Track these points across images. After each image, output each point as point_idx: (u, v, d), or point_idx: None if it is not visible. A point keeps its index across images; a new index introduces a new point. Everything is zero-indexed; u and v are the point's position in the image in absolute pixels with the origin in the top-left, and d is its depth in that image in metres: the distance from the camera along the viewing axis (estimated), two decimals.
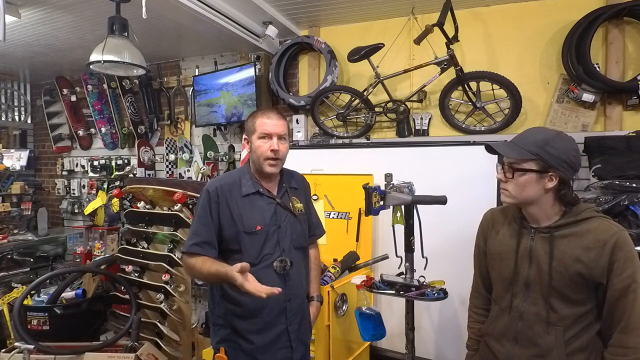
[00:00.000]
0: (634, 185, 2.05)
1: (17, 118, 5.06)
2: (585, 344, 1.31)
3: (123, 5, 2.60)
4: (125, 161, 4.33)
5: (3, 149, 4.36)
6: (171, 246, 2.72)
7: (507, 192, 1.37)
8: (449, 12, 2.56)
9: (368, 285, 1.87)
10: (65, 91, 4.50)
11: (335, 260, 2.31)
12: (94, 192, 4.43)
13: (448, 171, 2.45)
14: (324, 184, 2.77)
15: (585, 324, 1.32)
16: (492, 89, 2.78)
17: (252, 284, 1.35)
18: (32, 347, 2.35)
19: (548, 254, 1.32)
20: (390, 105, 3.05)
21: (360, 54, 2.88)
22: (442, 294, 1.74)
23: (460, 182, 2.38)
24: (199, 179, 3.66)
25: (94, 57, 2.51)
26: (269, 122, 1.59)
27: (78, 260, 3.64)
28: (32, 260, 3.90)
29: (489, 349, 1.48)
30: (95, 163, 4.48)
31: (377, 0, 2.88)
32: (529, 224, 1.39)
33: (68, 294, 2.90)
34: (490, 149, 1.41)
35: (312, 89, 3.36)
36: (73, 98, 4.50)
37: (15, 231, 4.00)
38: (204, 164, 3.71)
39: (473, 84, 2.80)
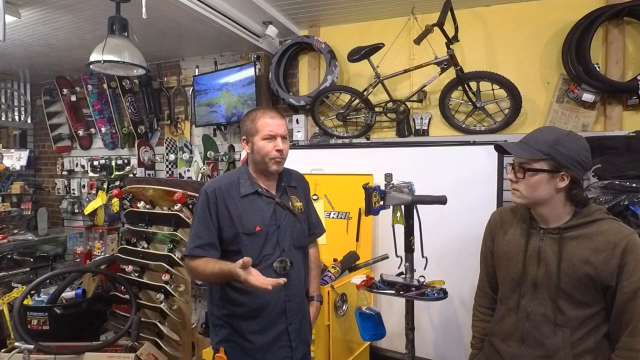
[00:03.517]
0: (634, 185, 2.04)
1: (17, 118, 5.06)
2: (593, 346, 1.30)
3: (123, 5, 2.59)
4: (125, 161, 4.33)
5: (3, 149, 4.35)
6: (171, 246, 2.72)
7: (519, 193, 1.36)
8: (449, 12, 2.56)
9: (368, 285, 1.86)
10: (65, 91, 4.50)
11: (335, 260, 2.31)
12: (94, 192, 4.43)
13: (448, 171, 2.45)
14: (324, 184, 2.77)
15: (592, 326, 1.31)
16: (492, 89, 2.78)
17: (256, 278, 1.36)
18: (32, 347, 2.35)
19: (557, 255, 1.31)
20: (390, 105, 3.05)
21: (360, 54, 2.88)
22: (442, 294, 1.73)
23: (460, 182, 2.38)
24: (199, 179, 3.66)
25: (94, 57, 2.51)
26: (272, 123, 1.59)
27: (78, 260, 3.63)
28: (32, 260, 3.89)
29: (494, 349, 1.48)
30: (95, 163, 4.48)
31: (377, 0, 2.88)
32: (538, 224, 1.38)
33: (68, 294, 2.90)
34: (500, 148, 1.40)
35: (312, 89, 3.36)
36: (73, 98, 4.50)
37: (15, 231, 3.99)
38: (204, 164, 3.71)
39: (473, 84, 2.80)
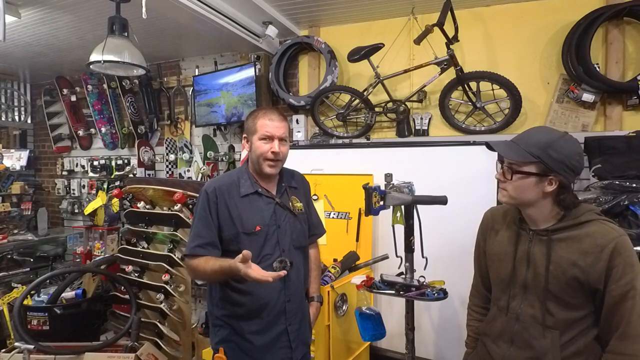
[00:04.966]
0: (634, 185, 2.05)
1: (17, 118, 5.06)
2: (582, 348, 1.28)
3: (123, 5, 2.60)
4: (125, 161, 4.33)
5: (3, 149, 4.35)
6: (171, 246, 2.72)
7: (505, 192, 1.35)
8: (449, 12, 2.56)
9: (368, 285, 1.86)
10: (65, 91, 4.50)
11: (335, 260, 2.31)
12: (94, 192, 4.43)
13: (448, 171, 2.45)
14: (324, 184, 2.77)
15: (582, 329, 1.29)
16: (492, 89, 2.78)
17: (256, 271, 1.36)
18: (32, 347, 2.35)
19: (545, 257, 1.30)
20: (390, 105, 3.05)
21: (360, 54, 2.88)
22: (442, 294, 1.74)
23: (460, 182, 2.38)
24: (199, 179, 3.66)
25: (94, 57, 2.51)
26: (270, 124, 1.58)
27: (78, 260, 3.63)
28: (32, 260, 3.89)
29: (486, 349, 1.47)
30: (95, 163, 4.48)
31: (377, 0, 2.88)
32: (527, 226, 1.37)
33: (68, 294, 2.90)
34: (490, 147, 1.39)
35: (312, 89, 3.36)
36: (73, 98, 4.50)
37: (15, 231, 3.99)
38: (204, 164, 3.71)
39: (473, 84, 2.80)
